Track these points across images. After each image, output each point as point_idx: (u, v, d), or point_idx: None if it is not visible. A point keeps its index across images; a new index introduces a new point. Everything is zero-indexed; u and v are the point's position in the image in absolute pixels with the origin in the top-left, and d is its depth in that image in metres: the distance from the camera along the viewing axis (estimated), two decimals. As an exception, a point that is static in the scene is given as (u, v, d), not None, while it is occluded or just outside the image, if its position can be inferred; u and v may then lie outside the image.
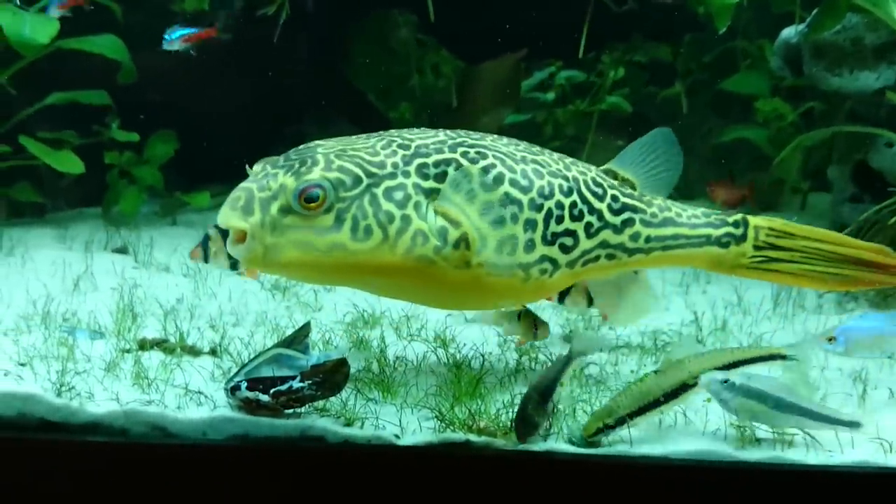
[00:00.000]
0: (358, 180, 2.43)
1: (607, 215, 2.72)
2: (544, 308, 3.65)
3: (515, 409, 2.46)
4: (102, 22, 5.04)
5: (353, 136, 2.62)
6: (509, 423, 2.47)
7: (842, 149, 4.64)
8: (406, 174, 2.48)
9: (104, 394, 2.60)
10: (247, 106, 5.54)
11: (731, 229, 2.88)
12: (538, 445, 2.42)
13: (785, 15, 4.76)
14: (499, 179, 2.52)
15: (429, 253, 2.45)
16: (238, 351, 3.03)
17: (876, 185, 4.26)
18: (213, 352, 3.05)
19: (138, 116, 5.16)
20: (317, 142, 2.56)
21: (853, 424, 2.45)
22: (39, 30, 4.64)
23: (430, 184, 2.49)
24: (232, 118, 5.42)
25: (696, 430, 2.53)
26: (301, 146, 2.54)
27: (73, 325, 3.22)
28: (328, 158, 2.44)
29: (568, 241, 2.63)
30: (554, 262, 2.61)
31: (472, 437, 2.42)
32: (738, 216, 2.92)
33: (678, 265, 3.00)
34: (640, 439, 2.45)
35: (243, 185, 2.42)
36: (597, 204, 2.70)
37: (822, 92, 4.69)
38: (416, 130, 2.66)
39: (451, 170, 2.51)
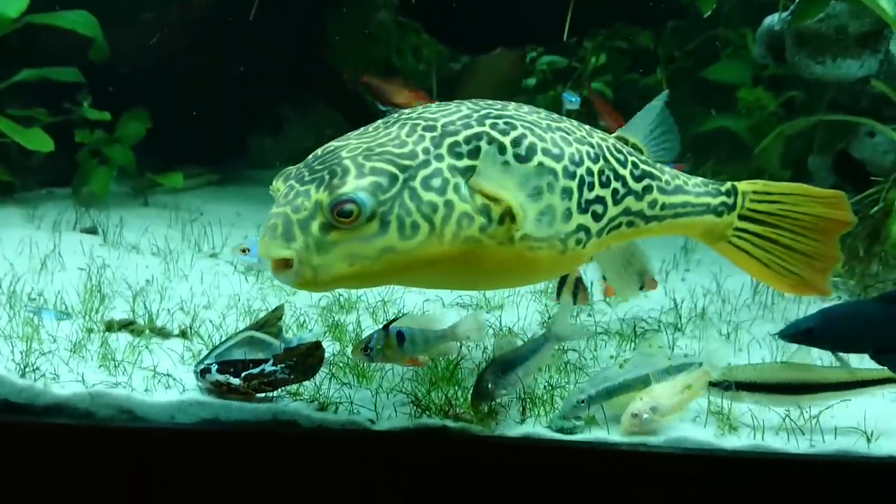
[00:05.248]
0: (394, 178, 2.27)
1: (630, 182, 2.70)
2: (523, 294, 3.60)
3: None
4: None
5: (371, 128, 2.47)
6: (485, 409, 2.43)
7: (823, 138, 4.62)
8: (439, 158, 2.35)
9: (70, 375, 2.53)
10: (222, 87, 5.43)
11: (724, 199, 2.92)
12: (515, 431, 2.38)
13: (768, 2, 4.74)
14: (532, 149, 2.44)
15: (475, 233, 2.34)
16: (209, 333, 2.96)
17: (857, 174, 4.25)
18: (182, 334, 2.98)
19: (110, 94, 5.04)
20: (337, 142, 2.40)
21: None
22: (8, 4, 4.52)
23: (464, 162, 2.37)
24: (207, 99, 5.32)
25: (676, 416, 2.49)
26: (321, 150, 2.38)
27: (40, 306, 3.14)
28: (357, 163, 2.28)
29: (598, 208, 2.59)
30: (587, 230, 2.55)
31: (449, 423, 2.38)
32: (729, 185, 2.93)
33: (677, 233, 2.99)
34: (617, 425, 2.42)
35: (276, 210, 2.28)
36: (621, 170, 2.67)
37: (804, 80, 4.67)
38: (433, 107, 2.53)
39: (483, 144, 2.40)
